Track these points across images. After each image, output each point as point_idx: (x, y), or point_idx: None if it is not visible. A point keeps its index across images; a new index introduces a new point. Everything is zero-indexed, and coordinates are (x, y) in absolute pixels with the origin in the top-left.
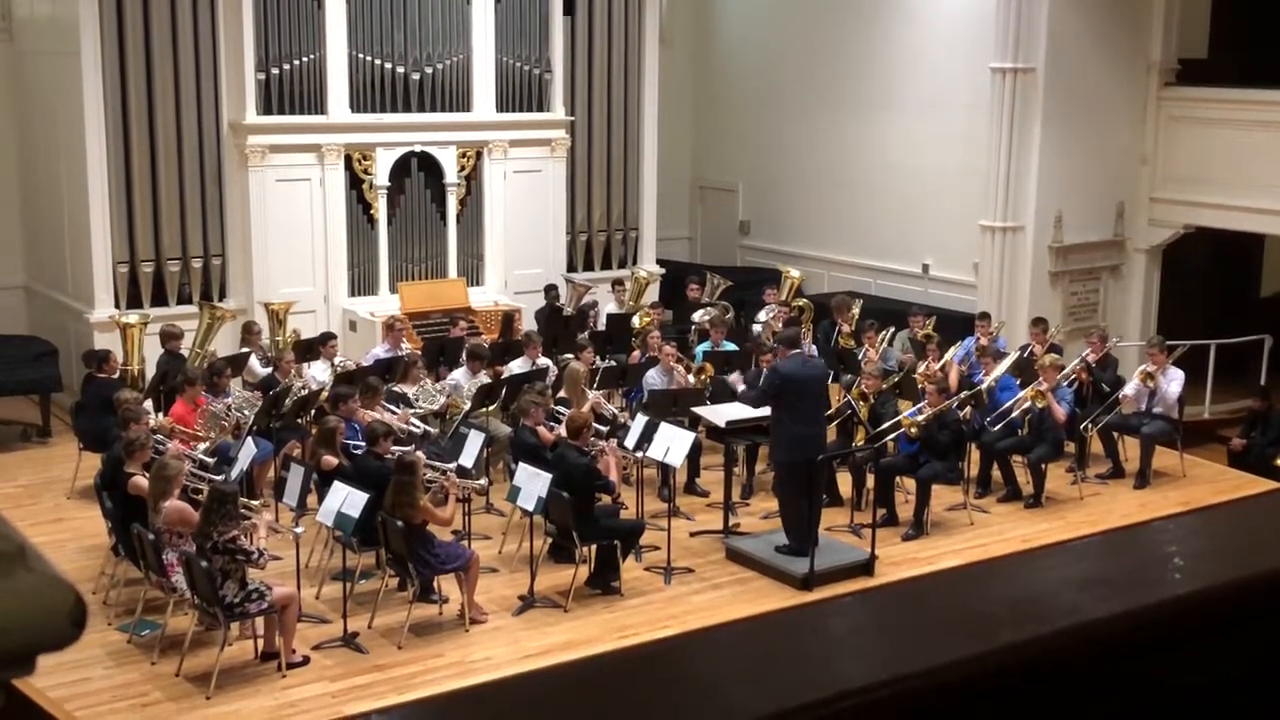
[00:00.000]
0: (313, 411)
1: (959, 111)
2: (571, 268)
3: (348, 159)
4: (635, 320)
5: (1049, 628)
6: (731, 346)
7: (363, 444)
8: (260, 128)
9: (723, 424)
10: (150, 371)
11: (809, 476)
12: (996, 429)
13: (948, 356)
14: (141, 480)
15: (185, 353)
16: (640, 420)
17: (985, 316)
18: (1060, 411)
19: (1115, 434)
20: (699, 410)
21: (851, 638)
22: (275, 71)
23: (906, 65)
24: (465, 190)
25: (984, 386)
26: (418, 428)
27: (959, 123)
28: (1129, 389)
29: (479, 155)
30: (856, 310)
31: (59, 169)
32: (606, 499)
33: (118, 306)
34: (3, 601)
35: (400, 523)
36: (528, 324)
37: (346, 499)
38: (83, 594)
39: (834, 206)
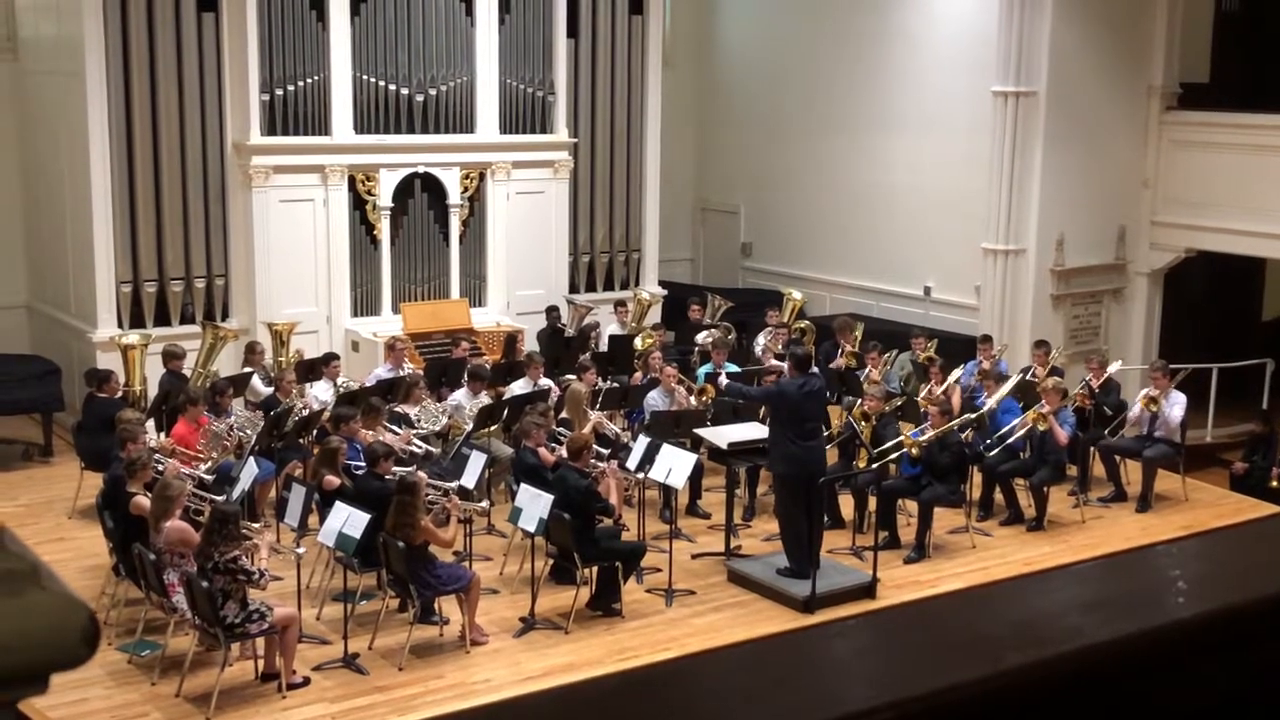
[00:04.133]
0: (315, 432)
1: (960, 134)
2: (574, 289)
3: (351, 180)
4: (637, 341)
5: (1052, 651)
6: (734, 368)
7: (364, 464)
8: (264, 148)
9: (725, 446)
10: (152, 391)
11: (807, 492)
12: (995, 452)
13: (950, 379)
14: (143, 500)
15: (187, 372)
16: (642, 441)
17: (987, 339)
18: (1062, 434)
19: (1117, 457)
20: (701, 432)
21: (854, 660)
22: (279, 92)
23: (909, 88)
24: (468, 211)
25: (986, 408)
26: (419, 448)
27: (960, 146)
28: (1132, 413)
29: (482, 176)
30: (859, 332)
31: (63, 188)
32: (608, 521)
33: (120, 326)
34: (16, 620)
35: (401, 543)
36: (530, 345)
37: (348, 519)
38: (95, 614)
39: (836, 229)
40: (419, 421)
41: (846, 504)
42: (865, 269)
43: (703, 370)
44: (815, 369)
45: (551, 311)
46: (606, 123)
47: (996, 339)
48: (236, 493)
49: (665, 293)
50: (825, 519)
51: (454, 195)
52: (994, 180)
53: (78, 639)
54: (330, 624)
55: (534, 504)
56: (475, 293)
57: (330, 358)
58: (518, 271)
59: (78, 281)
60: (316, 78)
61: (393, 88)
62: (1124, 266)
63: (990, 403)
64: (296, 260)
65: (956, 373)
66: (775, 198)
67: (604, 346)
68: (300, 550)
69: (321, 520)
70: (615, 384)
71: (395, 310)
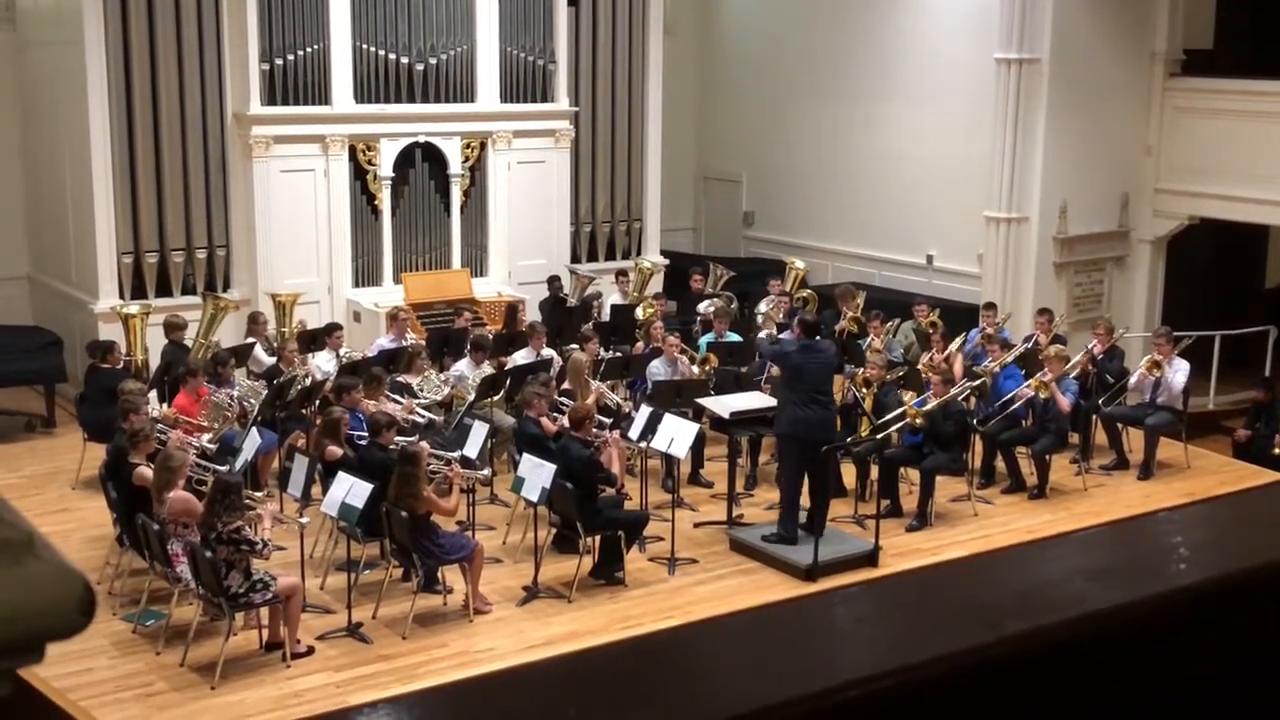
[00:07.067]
0: (317, 402)
1: (963, 102)
2: (575, 259)
3: (352, 150)
4: (639, 311)
5: (1054, 617)
6: (735, 337)
7: (367, 435)
8: (264, 118)
9: (727, 415)
10: (154, 362)
11: (807, 457)
12: (997, 420)
13: (952, 347)
14: (146, 471)
15: (189, 343)
16: (644, 411)
17: (991, 306)
18: (1064, 402)
19: (1119, 425)
20: (703, 401)
21: (858, 627)
22: (279, 62)
23: (911, 56)
24: (469, 181)
25: (987, 367)
26: (422, 418)
27: (963, 113)
28: (1134, 380)
29: (483, 146)
30: (860, 300)
31: (63, 159)
32: (610, 490)
33: (122, 297)
34: (11, 590)
35: (404, 513)
36: (532, 315)
37: (351, 489)
38: (91, 583)
39: (838, 197)
40: (421, 391)
41: (849, 473)
42: (867, 238)
43: (704, 340)
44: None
45: (553, 281)
46: (607, 91)
47: (999, 307)
48: (239, 463)
49: (667, 262)
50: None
51: (455, 165)
52: (996, 148)
53: (74, 608)
54: (334, 593)
55: (536, 474)
56: (477, 263)
57: (332, 328)
58: (519, 241)
59: (79, 252)
60: (316, 47)
61: (393, 57)
62: (1127, 234)
63: (994, 365)
64: (297, 231)
65: (959, 340)
66: (777, 166)
67: (606, 316)
68: (303, 520)
69: (324, 490)
70: (617, 354)
71: (397, 280)
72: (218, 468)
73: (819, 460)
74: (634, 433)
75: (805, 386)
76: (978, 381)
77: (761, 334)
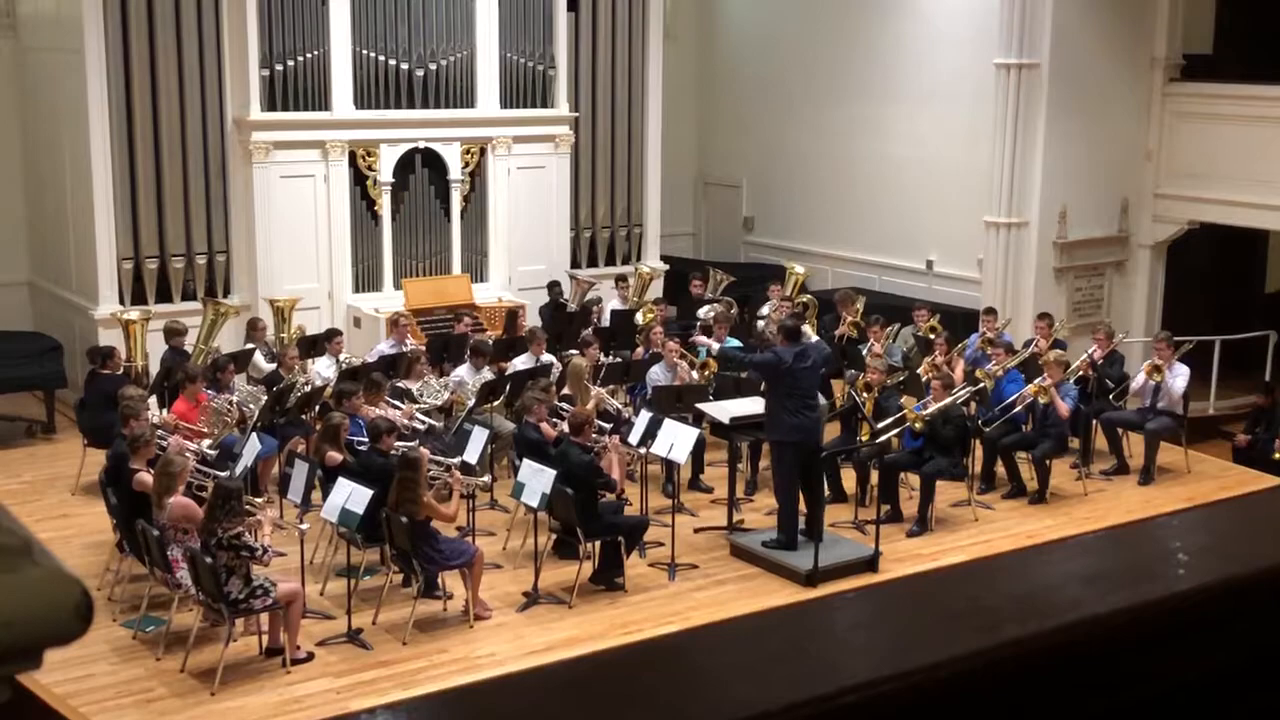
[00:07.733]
0: (317, 407)
1: (963, 107)
2: (575, 264)
3: (352, 155)
4: (639, 316)
5: (1053, 622)
6: (735, 342)
7: (367, 440)
8: (264, 124)
9: (727, 420)
10: (154, 367)
11: (802, 463)
12: (997, 424)
13: (953, 352)
14: (146, 476)
15: (189, 349)
16: (644, 416)
17: (991, 311)
18: (1064, 407)
19: (1120, 430)
20: (703, 406)
21: (856, 633)
22: (279, 68)
23: (911, 61)
24: (469, 186)
25: (989, 370)
26: (422, 423)
27: (963, 118)
28: (1135, 384)
29: (483, 151)
30: (860, 305)
31: (63, 165)
32: (610, 496)
33: (122, 302)
34: (9, 595)
35: (404, 519)
36: (532, 320)
37: (351, 495)
38: (89, 589)
39: (838, 202)
40: (421, 397)
41: (849, 477)
42: (867, 243)
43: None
44: (816, 338)
45: (553, 287)
46: (607, 96)
47: (999, 312)
48: (239, 469)
49: (667, 267)
50: (827, 492)
51: (455, 170)
52: (996, 153)
53: (72, 614)
54: (334, 599)
55: (537, 479)
56: (477, 268)
57: (332, 334)
58: (519, 247)
59: (79, 258)
60: (316, 53)
61: (393, 62)
62: (1127, 239)
63: (995, 368)
64: (298, 236)
65: (960, 345)
66: (777, 172)
67: (606, 321)
68: (303, 526)
69: (324, 496)
70: (617, 359)
71: (397, 286)
72: (218, 473)
73: (813, 465)
74: (634, 438)
75: (800, 392)
76: (978, 386)
77: (721, 341)
